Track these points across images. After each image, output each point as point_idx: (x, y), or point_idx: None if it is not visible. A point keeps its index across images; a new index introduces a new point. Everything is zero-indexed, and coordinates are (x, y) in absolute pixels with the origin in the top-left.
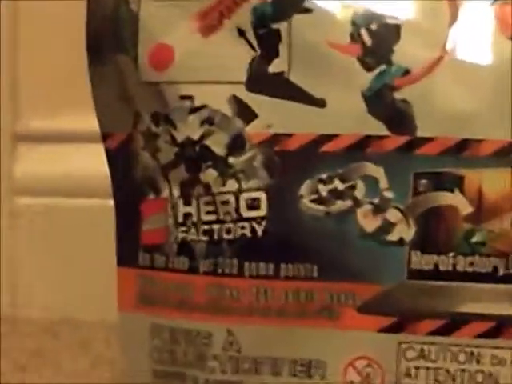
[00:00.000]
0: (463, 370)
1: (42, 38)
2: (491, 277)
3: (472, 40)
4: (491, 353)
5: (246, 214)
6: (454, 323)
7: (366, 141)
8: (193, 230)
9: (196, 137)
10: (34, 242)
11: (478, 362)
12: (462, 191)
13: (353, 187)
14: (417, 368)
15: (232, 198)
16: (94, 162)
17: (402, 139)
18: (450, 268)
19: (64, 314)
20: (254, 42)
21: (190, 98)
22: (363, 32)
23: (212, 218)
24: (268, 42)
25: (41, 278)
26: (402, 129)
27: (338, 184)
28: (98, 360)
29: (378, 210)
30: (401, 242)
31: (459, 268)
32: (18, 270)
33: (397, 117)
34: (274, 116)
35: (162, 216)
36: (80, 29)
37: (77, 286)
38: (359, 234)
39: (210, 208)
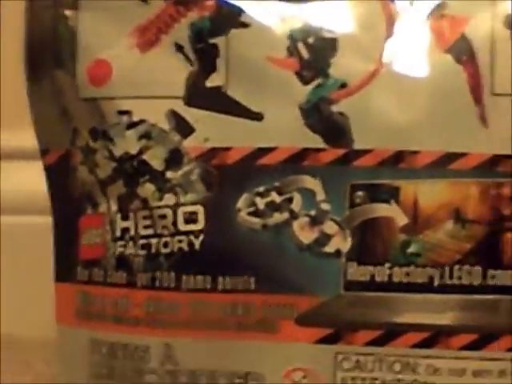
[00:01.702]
0: (399, 380)
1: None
2: (427, 287)
3: (408, 53)
4: (427, 362)
5: (183, 227)
6: (389, 333)
7: (303, 154)
8: (130, 245)
9: (134, 151)
10: None
11: (413, 371)
12: (398, 202)
13: (290, 200)
14: (353, 378)
15: (169, 212)
16: None
17: (339, 152)
18: (386, 279)
19: (5, 331)
20: (192, 57)
21: (127, 113)
22: (300, 46)
23: (150, 232)
24: (206, 57)
25: None
26: (338, 141)
27: (275, 197)
28: (38, 378)
29: (315, 222)
30: (337, 253)
31: (395, 279)
32: None
33: (334, 129)
34: (212, 130)
35: (100, 231)
36: None
37: (18, 302)
38: (296, 247)
39: (148, 222)
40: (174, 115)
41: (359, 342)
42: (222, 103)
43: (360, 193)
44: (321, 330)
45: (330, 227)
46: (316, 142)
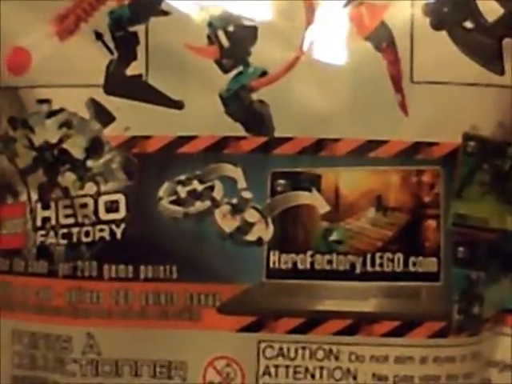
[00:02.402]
0: (322, 367)
1: None
2: (349, 274)
3: (328, 41)
4: (349, 350)
5: (104, 216)
6: (312, 321)
7: (224, 142)
8: (51, 234)
9: (54, 140)
10: None
11: (336, 358)
12: (319, 190)
13: (211, 188)
14: (276, 366)
15: (91, 201)
16: None
17: (260, 140)
18: (308, 266)
19: None
20: (112, 45)
21: (47, 101)
22: (220, 34)
23: (71, 221)
24: (125, 45)
25: None
26: (259, 129)
27: (196, 185)
28: None
29: (237, 210)
30: (259, 241)
31: (317, 266)
32: None
33: (254, 118)
34: (132, 118)
35: (21, 220)
36: None
37: None
38: (218, 235)
39: (69, 211)
40: (94, 104)
41: (282, 329)
42: (142, 92)
43: (281, 181)
44: (243, 318)
45: (251, 215)
46: (237, 130)
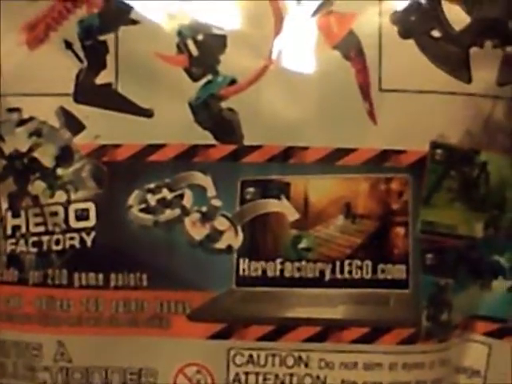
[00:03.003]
0: (292, 374)
1: None
2: (318, 282)
3: (297, 49)
4: (319, 356)
5: (74, 224)
6: (281, 328)
7: (194, 150)
8: (22, 242)
9: (24, 149)
10: None
11: (306, 365)
12: (288, 198)
13: (181, 196)
14: (246, 373)
15: (61, 209)
16: None
17: (229, 148)
18: (278, 274)
19: None
20: (81, 54)
21: (17, 110)
22: (189, 43)
23: (41, 229)
24: (95, 54)
25: None
26: (228, 137)
27: (166, 193)
28: None
29: (206, 218)
30: (229, 249)
31: (286, 274)
32: None
33: (223, 126)
34: (102, 127)
35: None
36: None
37: None
38: (188, 243)
39: (39, 220)
40: (64, 112)
41: (252, 337)
42: (111, 100)
43: (250, 189)
44: (213, 325)
45: (221, 223)
46: (206, 138)
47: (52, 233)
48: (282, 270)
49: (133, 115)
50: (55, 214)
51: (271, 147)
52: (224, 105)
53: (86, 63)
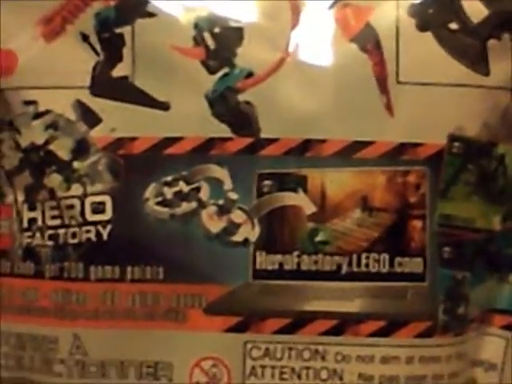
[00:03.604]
0: (308, 368)
1: None
2: (335, 275)
3: (314, 42)
4: (335, 350)
5: (91, 217)
6: (298, 321)
7: (210, 143)
8: (38, 235)
9: (40, 142)
10: None
11: (322, 359)
12: (305, 191)
13: (197, 189)
14: (262, 367)
15: (77, 203)
16: None
17: (246, 141)
18: (295, 267)
19: None
20: (98, 47)
21: (33, 103)
22: (206, 35)
23: (57, 222)
24: (111, 47)
25: None
26: (245, 130)
27: (182, 186)
28: None
29: (223, 211)
30: (246, 242)
31: (303, 267)
32: None
33: (240, 119)
34: (118, 120)
35: (7, 221)
36: None
37: None
38: (204, 236)
39: (55, 213)
40: (81, 105)
41: (268, 330)
42: (128, 93)
43: (267, 182)
44: (230, 318)
45: (237, 216)
46: (223, 131)
47: (68, 226)
48: (298, 263)
49: (149, 108)
50: (71, 207)
51: (288, 140)
52: (241, 97)
53: (102, 56)
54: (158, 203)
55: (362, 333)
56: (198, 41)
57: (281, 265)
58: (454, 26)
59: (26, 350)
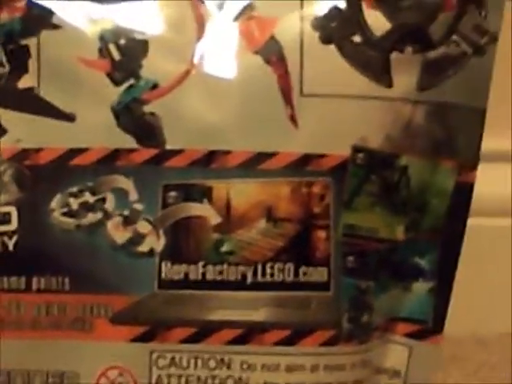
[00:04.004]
0: (214, 377)
1: None
2: (240, 285)
3: (219, 54)
4: (241, 359)
5: None
6: (204, 331)
7: (116, 154)
8: None
9: None
10: None
11: (228, 367)
12: (210, 202)
13: (103, 200)
14: (169, 376)
15: None
16: None
17: (151, 152)
18: (200, 277)
19: None
20: (3, 58)
21: None
22: (111, 47)
23: None
24: (17, 58)
25: None
26: (151, 142)
27: (88, 197)
28: None
29: (129, 221)
30: (151, 252)
31: (209, 277)
32: None
33: (146, 130)
34: (24, 131)
35: None
36: None
37: None
38: (110, 246)
39: None
40: None
41: (174, 339)
42: (34, 104)
43: (173, 193)
44: (136, 328)
45: (143, 227)
46: (128, 142)
47: None
48: (203, 273)
49: (55, 119)
50: None
51: (193, 151)
52: (146, 109)
53: (7, 67)
54: (64, 214)
55: (268, 342)
56: (104, 53)
57: (186, 275)
58: (357, 38)
59: None
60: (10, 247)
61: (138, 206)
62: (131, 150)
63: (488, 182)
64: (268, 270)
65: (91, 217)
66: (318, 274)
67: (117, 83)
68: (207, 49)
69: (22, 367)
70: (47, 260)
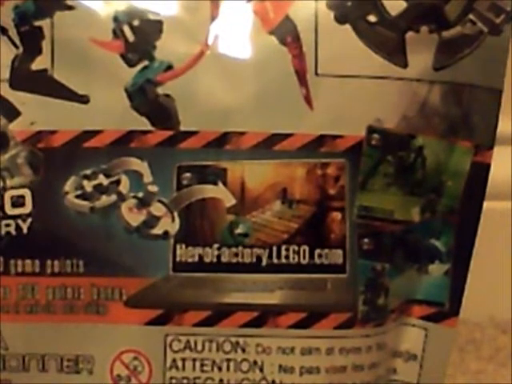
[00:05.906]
0: (229, 360)
1: None
2: (255, 267)
3: (233, 35)
4: (256, 342)
5: (10, 211)
6: (219, 314)
7: (130, 136)
8: None
9: None
10: None
11: (243, 351)
12: (225, 184)
13: (117, 182)
14: (183, 359)
15: None
16: None
17: (165, 134)
18: (215, 260)
19: None
20: (17, 40)
21: None
22: (125, 28)
23: None
24: (30, 40)
25: None
26: (165, 123)
27: (102, 179)
28: None
29: (143, 204)
30: (165, 235)
31: (223, 259)
32: None
33: (160, 112)
34: (38, 113)
35: None
36: None
37: None
38: (124, 229)
39: None
40: (0, 99)
41: (189, 322)
42: (47, 86)
43: (187, 174)
44: (150, 311)
45: (157, 209)
46: (142, 124)
47: None
48: (218, 256)
49: (69, 101)
50: None
51: (207, 133)
52: (160, 90)
53: (21, 49)
54: (78, 196)
55: (283, 324)
56: (117, 34)
57: (201, 257)
58: (372, 18)
59: None
60: (25, 230)
61: (153, 188)
62: (145, 132)
63: None
64: (283, 253)
65: (105, 199)
66: (334, 256)
67: (131, 64)
68: (221, 30)
69: (37, 351)
70: (61, 243)
